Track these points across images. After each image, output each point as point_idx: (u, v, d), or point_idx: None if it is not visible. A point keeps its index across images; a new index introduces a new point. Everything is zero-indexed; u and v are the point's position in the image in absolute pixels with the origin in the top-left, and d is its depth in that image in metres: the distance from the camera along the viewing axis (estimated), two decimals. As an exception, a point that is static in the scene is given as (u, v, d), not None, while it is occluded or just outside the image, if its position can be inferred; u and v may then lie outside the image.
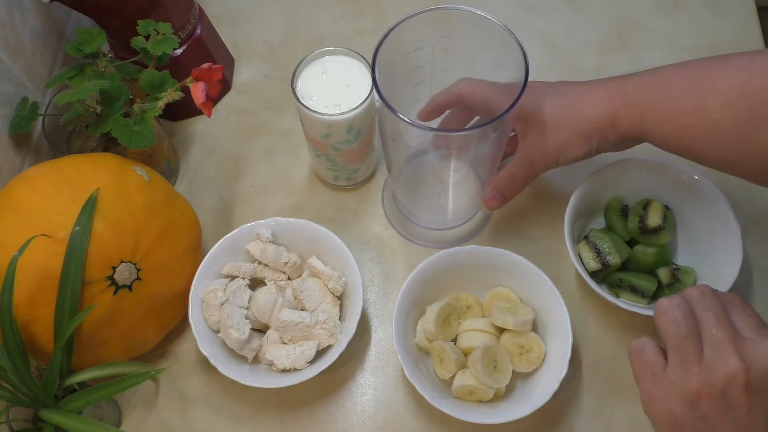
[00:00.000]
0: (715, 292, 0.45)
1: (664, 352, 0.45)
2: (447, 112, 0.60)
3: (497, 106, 0.51)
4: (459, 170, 0.60)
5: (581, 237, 0.61)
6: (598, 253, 0.58)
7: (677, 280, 0.58)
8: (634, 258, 0.60)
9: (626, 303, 0.56)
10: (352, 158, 0.63)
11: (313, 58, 0.60)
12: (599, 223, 0.63)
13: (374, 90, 0.48)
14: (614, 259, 0.58)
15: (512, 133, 0.61)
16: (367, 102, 0.57)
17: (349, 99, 0.58)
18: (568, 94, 0.55)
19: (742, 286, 0.61)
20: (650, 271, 0.59)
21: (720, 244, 0.57)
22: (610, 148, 0.55)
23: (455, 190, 0.63)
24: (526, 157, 0.56)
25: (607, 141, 0.54)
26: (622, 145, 0.55)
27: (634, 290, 0.58)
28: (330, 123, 0.57)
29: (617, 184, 0.62)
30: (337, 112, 0.57)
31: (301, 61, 0.59)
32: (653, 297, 0.58)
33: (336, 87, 0.59)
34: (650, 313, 0.54)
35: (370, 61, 0.49)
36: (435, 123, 0.61)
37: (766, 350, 0.41)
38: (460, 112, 0.60)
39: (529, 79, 0.47)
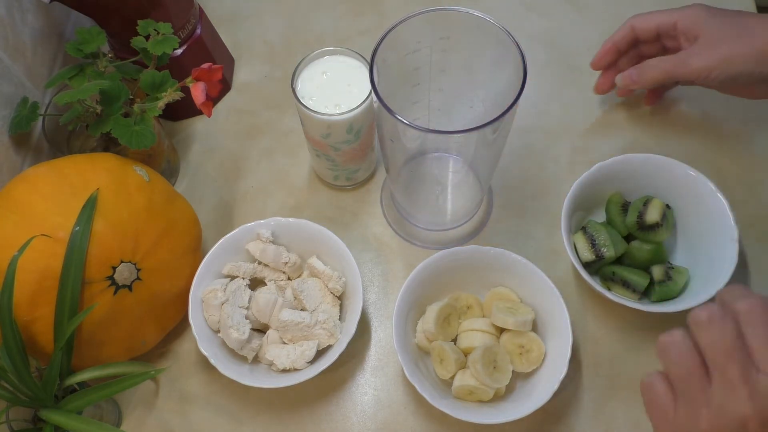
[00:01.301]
0: (731, 308, 0.38)
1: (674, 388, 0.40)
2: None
3: (668, 26, 0.55)
4: (458, 171, 0.60)
5: (579, 228, 0.61)
6: (593, 244, 0.59)
7: (669, 279, 0.58)
8: (630, 253, 0.60)
9: (616, 296, 0.56)
10: (352, 158, 0.63)
11: (313, 58, 0.60)
12: (599, 217, 0.64)
13: (374, 91, 0.48)
14: (608, 252, 0.58)
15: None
16: (366, 102, 0.57)
17: (349, 99, 0.58)
18: (740, 15, 0.56)
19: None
20: (645, 268, 0.59)
21: (717, 248, 0.57)
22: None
23: (454, 191, 0.63)
24: (682, 57, 0.57)
25: None
26: None
27: (625, 285, 0.58)
28: (330, 123, 0.57)
29: (620, 179, 0.62)
30: (337, 112, 0.57)
31: (301, 61, 0.59)
32: (644, 293, 0.59)
33: (336, 87, 0.59)
34: (639, 307, 0.55)
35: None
36: (450, 122, 0.61)
37: None
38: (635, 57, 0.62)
39: (528, 78, 0.47)
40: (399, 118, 0.46)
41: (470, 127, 0.46)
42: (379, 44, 0.49)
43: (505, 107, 0.46)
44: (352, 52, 0.60)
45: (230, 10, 0.81)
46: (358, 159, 0.63)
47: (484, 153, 0.54)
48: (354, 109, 0.56)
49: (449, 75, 0.57)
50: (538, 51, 0.76)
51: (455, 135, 0.47)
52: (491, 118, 0.46)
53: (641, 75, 0.61)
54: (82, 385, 0.53)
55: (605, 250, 0.58)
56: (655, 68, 0.59)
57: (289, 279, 0.62)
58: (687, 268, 0.59)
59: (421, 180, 0.63)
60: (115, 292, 0.52)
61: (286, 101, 0.75)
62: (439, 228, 0.66)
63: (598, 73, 0.74)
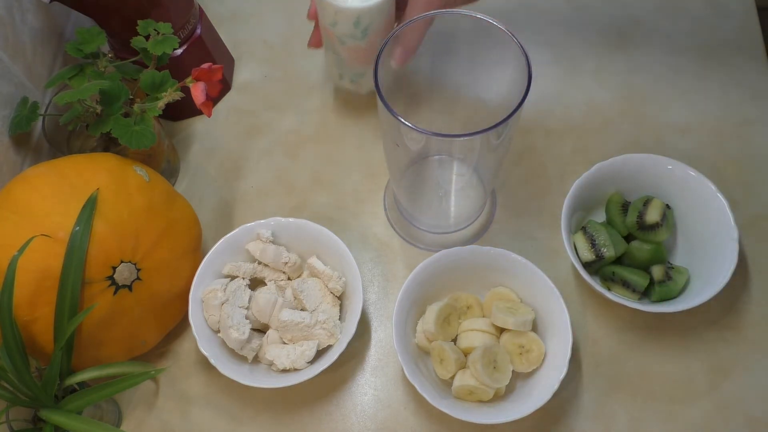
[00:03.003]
0: None
1: None
2: None
3: None
4: (462, 175, 0.59)
5: (579, 228, 0.61)
6: (593, 244, 0.59)
7: (669, 279, 0.58)
8: (630, 253, 0.60)
9: (616, 296, 0.56)
10: (356, 58, 0.61)
11: None
12: (599, 216, 0.64)
13: (378, 92, 0.47)
14: (608, 252, 0.58)
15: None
16: (379, 1, 0.54)
17: None
18: None
19: (739, 286, 0.61)
20: (644, 268, 0.59)
21: (717, 247, 0.57)
22: None
23: (457, 194, 0.63)
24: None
25: None
26: None
27: (625, 285, 0.58)
28: (336, 10, 0.55)
29: (620, 179, 0.62)
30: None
31: None
32: (644, 293, 0.59)
33: None
34: (639, 307, 0.55)
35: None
36: (454, 125, 0.61)
37: None
38: None
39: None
40: (402, 120, 0.46)
41: (473, 130, 0.46)
42: (383, 48, 0.49)
43: (509, 109, 0.46)
44: None
45: (230, 10, 0.81)
46: (363, 61, 0.62)
47: (488, 157, 0.54)
48: (363, 2, 0.54)
49: (451, 77, 0.57)
50: (538, 51, 0.76)
51: (459, 138, 0.47)
52: (494, 121, 0.46)
53: (410, 49, 0.54)
54: (82, 385, 0.53)
55: (605, 250, 0.58)
56: (416, 30, 0.53)
57: (289, 279, 0.62)
58: (687, 268, 0.59)
59: (425, 183, 0.63)
60: (115, 292, 0.52)
61: (286, 101, 0.75)
62: (442, 231, 0.66)
63: (599, 73, 0.74)
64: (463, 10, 0.51)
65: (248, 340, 0.56)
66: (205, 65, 0.57)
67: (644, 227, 0.59)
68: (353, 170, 0.70)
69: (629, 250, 0.60)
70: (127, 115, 0.57)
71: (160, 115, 0.57)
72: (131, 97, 0.58)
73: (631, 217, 0.60)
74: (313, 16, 0.61)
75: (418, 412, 0.57)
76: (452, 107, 0.61)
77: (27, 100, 0.61)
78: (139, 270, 0.53)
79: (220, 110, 0.75)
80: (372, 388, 0.59)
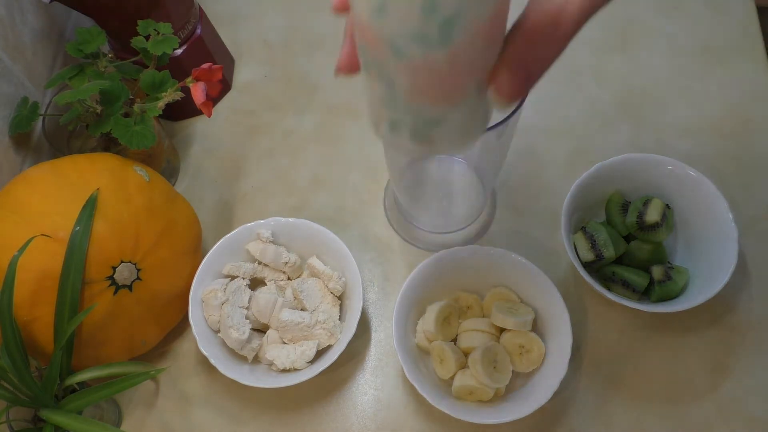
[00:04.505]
0: None
1: None
2: None
3: None
4: (463, 175, 0.59)
5: (579, 228, 0.61)
6: (593, 244, 0.59)
7: (669, 279, 0.58)
8: (630, 253, 0.60)
9: (616, 296, 0.56)
10: (426, 86, 0.29)
11: None
12: (600, 216, 0.64)
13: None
14: (608, 252, 0.58)
15: None
16: None
17: None
18: None
19: (739, 286, 0.61)
20: (644, 268, 0.59)
21: (717, 247, 0.57)
22: None
23: (458, 194, 0.63)
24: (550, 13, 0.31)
25: None
26: None
27: (625, 285, 0.58)
28: None
29: (620, 179, 0.62)
30: None
31: None
32: (644, 293, 0.59)
33: None
34: (639, 307, 0.55)
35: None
36: None
37: None
38: None
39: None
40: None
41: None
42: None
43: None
44: None
45: (230, 10, 0.81)
46: (442, 92, 0.30)
47: (488, 157, 0.54)
48: None
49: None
50: (538, 51, 0.76)
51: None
52: (495, 121, 0.46)
53: (529, 83, 0.33)
54: (82, 385, 0.53)
55: (605, 250, 0.58)
56: (540, 62, 0.32)
57: (289, 279, 0.62)
58: (687, 268, 0.59)
59: (425, 183, 0.63)
60: (115, 292, 0.52)
61: (286, 101, 0.75)
62: (442, 231, 0.66)
63: (599, 73, 0.74)
64: None
65: (248, 340, 0.56)
66: (205, 65, 0.57)
67: (644, 227, 0.59)
68: (353, 170, 0.70)
69: (629, 250, 0.60)
70: (127, 115, 0.57)
71: (160, 115, 0.57)
72: (131, 97, 0.58)
73: (631, 217, 0.60)
74: (342, 6, 0.32)
75: (418, 412, 0.57)
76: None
77: (27, 100, 0.61)
78: (139, 270, 0.53)
79: (220, 110, 0.75)
80: (372, 388, 0.59)
